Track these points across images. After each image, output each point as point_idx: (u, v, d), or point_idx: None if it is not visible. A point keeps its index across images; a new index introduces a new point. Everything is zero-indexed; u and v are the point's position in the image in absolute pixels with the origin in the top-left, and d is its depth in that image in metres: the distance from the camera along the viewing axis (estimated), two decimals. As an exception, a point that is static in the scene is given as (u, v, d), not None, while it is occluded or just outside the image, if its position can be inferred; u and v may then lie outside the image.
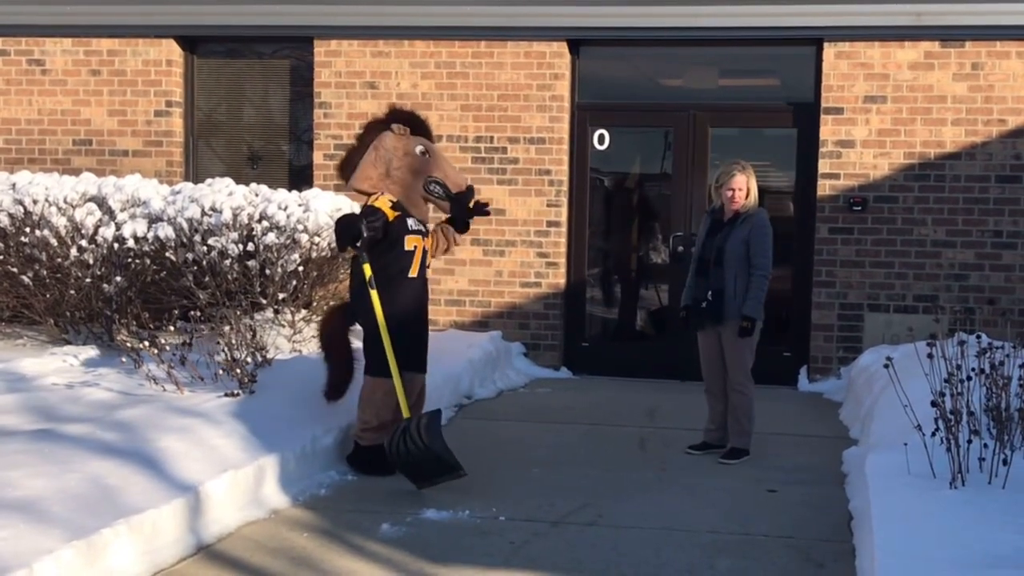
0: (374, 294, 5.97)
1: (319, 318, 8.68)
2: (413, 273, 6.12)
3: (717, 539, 5.14)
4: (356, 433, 6.24)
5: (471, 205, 6.40)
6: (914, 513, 4.52)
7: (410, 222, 6.15)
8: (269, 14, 9.91)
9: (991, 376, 5.14)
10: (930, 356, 4.99)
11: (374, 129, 6.35)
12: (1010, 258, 9.03)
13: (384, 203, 6.10)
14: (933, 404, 4.91)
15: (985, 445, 4.90)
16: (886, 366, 5.14)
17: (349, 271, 6.40)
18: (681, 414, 7.97)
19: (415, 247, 6.15)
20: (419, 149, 6.26)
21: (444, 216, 6.54)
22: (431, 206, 6.39)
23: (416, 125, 6.35)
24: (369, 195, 6.22)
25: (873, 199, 9.17)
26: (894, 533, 4.31)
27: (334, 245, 8.34)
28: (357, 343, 6.33)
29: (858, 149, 9.18)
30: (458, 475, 5.80)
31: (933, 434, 4.91)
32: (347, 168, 6.34)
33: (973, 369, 5.10)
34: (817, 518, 5.50)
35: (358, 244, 5.94)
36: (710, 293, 6.59)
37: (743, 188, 6.62)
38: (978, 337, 5.99)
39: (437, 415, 5.94)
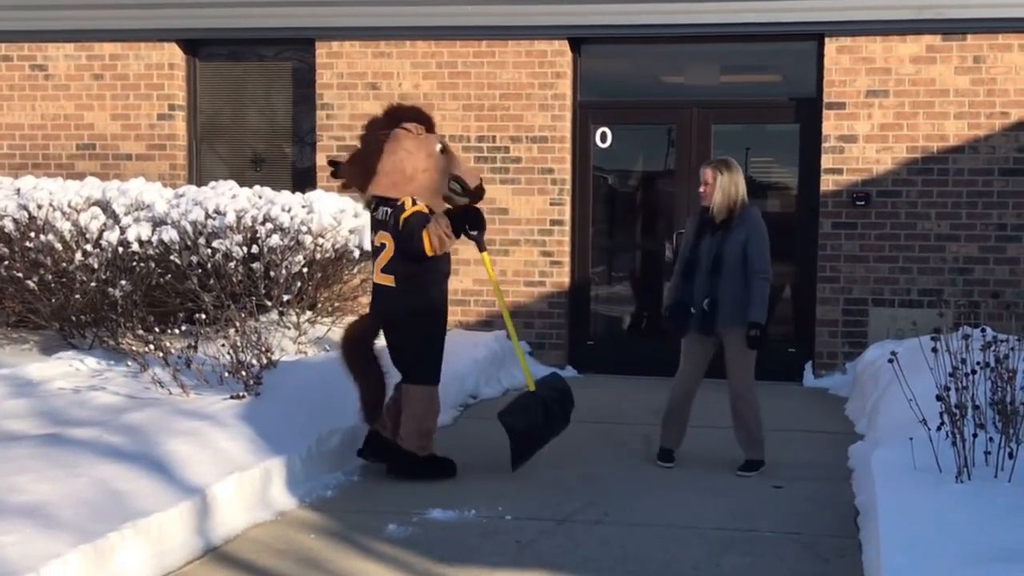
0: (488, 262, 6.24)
1: (324, 319, 8.73)
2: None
3: (723, 536, 5.15)
4: (420, 445, 6.05)
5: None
6: (920, 507, 4.52)
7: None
8: (270, 16, 9.92)
9: (996, 370, 5.15)
10: (935, 350, 4.98)
11: (377, 128, 6.13)
12: (1015, 251, 9.01)
13: (422, 208, 5.97)
14: (938, 398, 4.91)
15: (991, 439, 4.90)
16: (891, 361, 5.14)
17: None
18: (687, 411, 7.96)
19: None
20: (439, 147, 6.15)
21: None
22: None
23: (426, 122, 6.19)
24: (392, 200, 6.01)
25: (876, 194, 9.16)
26: (900, 527, 4.31)
27: (339, 246, 8.37)
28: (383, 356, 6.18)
29: (860, 144, 9.17)
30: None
31: (939, 428, 4.92)
32: (359, 172, 6.11)
33: (978, 363, 5.10)
34: (823, 513, 5.50)
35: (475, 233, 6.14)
36: (706, 302, 6.19)
37: (709, 182, 6.26)
38: (983, 331, 5.99)
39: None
